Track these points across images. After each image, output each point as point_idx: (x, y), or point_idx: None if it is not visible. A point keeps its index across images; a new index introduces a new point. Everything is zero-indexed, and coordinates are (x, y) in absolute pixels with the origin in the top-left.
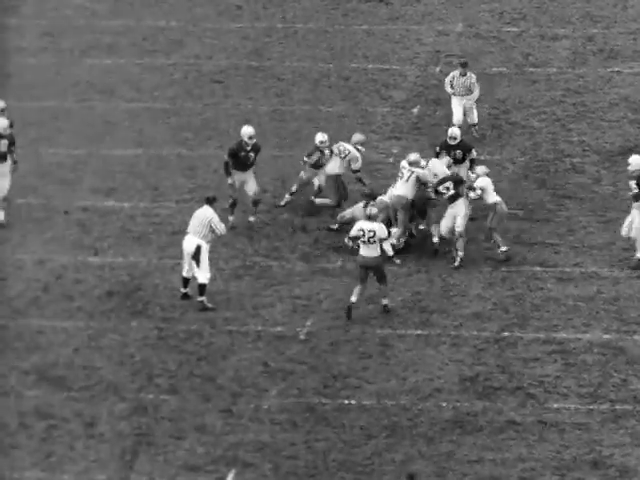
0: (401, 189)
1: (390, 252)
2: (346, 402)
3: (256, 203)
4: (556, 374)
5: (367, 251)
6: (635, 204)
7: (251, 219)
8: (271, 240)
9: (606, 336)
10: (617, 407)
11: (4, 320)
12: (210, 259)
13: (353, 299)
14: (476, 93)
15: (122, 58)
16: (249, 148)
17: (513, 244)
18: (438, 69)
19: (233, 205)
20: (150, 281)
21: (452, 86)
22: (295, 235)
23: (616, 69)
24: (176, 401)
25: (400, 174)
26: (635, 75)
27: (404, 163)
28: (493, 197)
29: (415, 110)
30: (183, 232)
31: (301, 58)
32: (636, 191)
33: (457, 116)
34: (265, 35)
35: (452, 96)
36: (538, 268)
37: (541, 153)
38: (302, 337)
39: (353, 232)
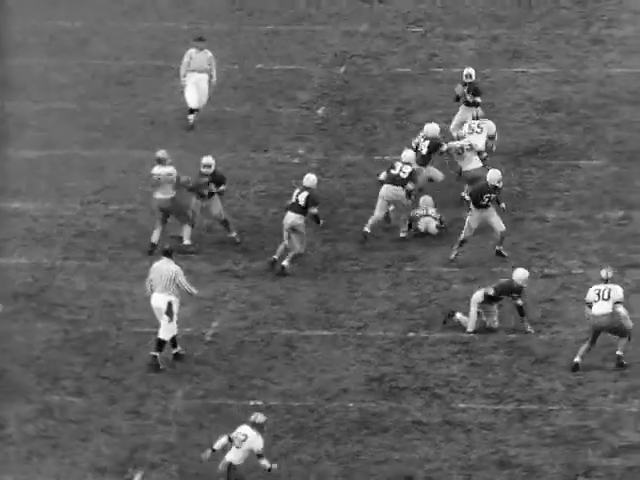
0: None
1: (268, 465)
2: (252, 403)
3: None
4: (462, 374)
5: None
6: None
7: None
8: (177, 241)
9: (511, 336)
10: (523, 407)
11: None
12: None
13: None
14: (214, 72)
15: (30, 58)
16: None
17: (421, 245)
18: (343, 69)
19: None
20: (55, 282)
21: (190, 63)
22: (201, 236)
23: (521, 69)
24: (82, 403)
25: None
26: (539, 75)
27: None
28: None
29: (320, 111)
30: (88, 233)
31: None
32: None
33: (191, 95)
34: (171, 35)
35: (188, 74)
36: (444, 269)
37: (446, 152)
38: (208, 338)
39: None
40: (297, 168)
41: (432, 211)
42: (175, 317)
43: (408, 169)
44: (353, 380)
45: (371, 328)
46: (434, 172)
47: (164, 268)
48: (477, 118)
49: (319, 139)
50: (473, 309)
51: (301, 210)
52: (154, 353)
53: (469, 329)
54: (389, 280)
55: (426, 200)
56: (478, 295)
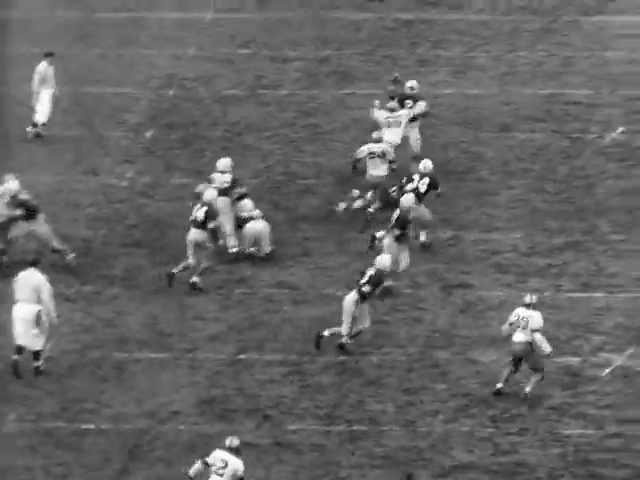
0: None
1: None
2: (84, 426)
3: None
4: (292, 395)
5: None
6: None
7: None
8: (11, 266)
9: (342, 357)
10: (354, 428)
11: None
12: None
13: None
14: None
15: None
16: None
17: (251, 267)
18: (172, 92)
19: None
20: None
21: (44, 79)
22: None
23: (349, 91)
24: None
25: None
26: (367, 96)
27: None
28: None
29: (148, 134)
30: None
31: None
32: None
33: (43, 109)
34: None
35: (42, 88)
36: (274, 290)
37: (273, 175)
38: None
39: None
40: (126, 191)
41: (257, 213)
42: (45, 327)
43: (228, 177)
44: (184, 402)
45: (202, 350)
46: (423, 211)
47: (30, 278)
48: (393, 110)
49: (148, 162)
50: (347, 312)
51: (201, 225)
52: (15, 357)
53: (344, 332)
54: (219, 302)
55: (246, 205)
56: (351, 296)
